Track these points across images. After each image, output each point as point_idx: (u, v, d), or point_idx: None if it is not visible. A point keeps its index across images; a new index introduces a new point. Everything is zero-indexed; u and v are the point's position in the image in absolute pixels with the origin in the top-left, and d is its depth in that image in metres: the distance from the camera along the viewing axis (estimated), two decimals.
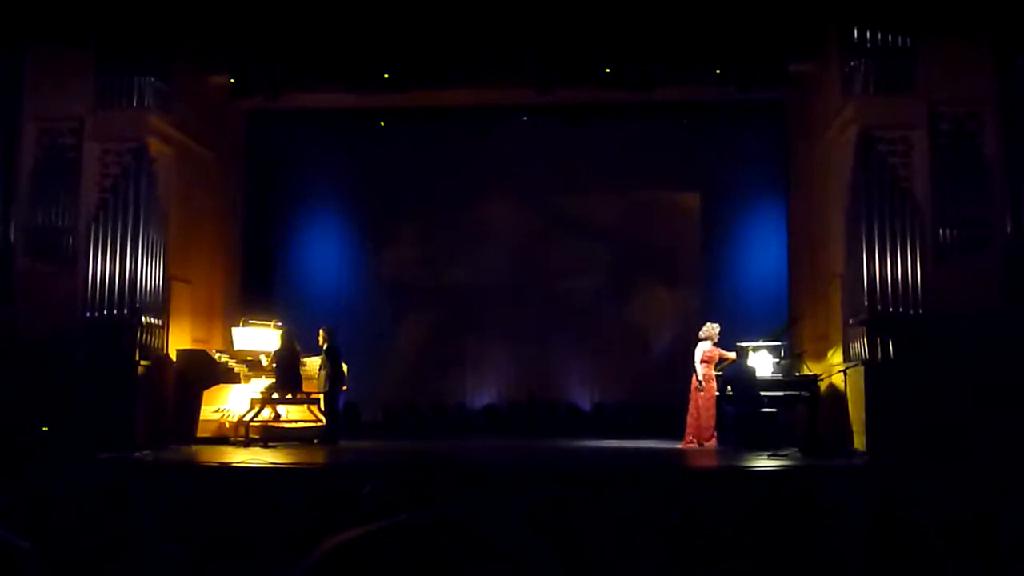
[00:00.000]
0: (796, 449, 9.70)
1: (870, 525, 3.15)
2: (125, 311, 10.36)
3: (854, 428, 10.09)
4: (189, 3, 11.30)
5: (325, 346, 11.18)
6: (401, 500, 3.64)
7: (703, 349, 10.77)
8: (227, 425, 11.33)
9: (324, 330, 11.26)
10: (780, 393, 10.60)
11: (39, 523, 2.49)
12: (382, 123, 13.95)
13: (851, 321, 10.19)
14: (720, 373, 10.77)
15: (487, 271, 14.35)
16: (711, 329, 10.93)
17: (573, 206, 14.37)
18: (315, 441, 11.11)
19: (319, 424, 11.33)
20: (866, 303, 9.83)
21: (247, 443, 10.59)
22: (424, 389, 14.05)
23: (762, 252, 13.58)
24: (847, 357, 10.27)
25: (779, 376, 10.86)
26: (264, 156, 13.80)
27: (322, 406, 11.24)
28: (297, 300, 13.78)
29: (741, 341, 10.73)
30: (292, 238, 14.50)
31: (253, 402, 10.96)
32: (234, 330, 11.86)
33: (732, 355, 10.74)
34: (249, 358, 11.51)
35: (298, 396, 11.24)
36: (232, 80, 12.05)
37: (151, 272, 10.59)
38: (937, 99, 10.21)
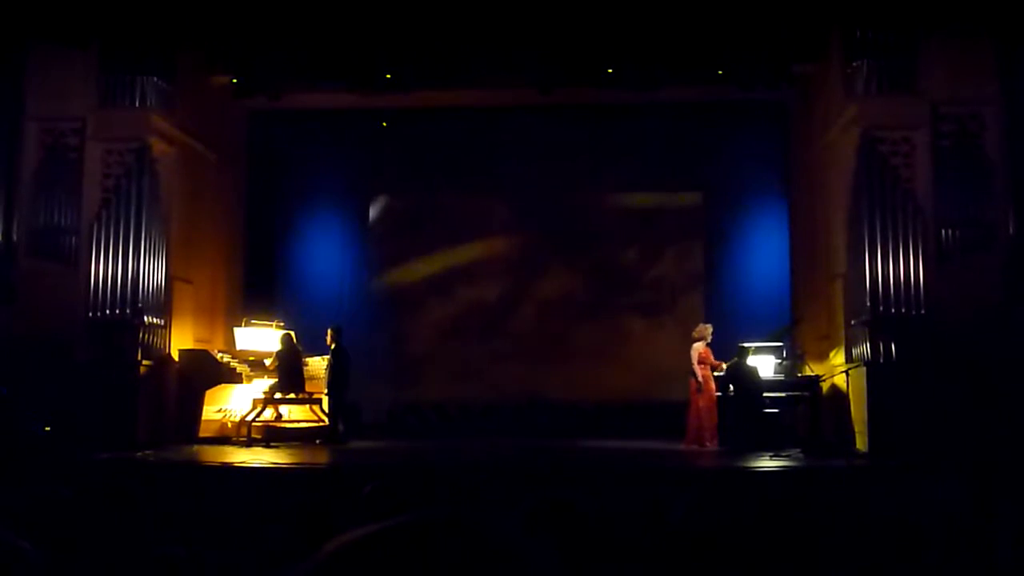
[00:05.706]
0: (798, 450, 9.70)
1: (871, 525, 3.15)
2: (127, 311, 10.38)
3: (856, 429, 10.08)
4: (192, 3, 11.30)
5: (333, 346, 11.18)
6: (402, 500, 3.64)
7: (697, 350, 10.78)
8: (229, 425, 11.33)
9: (332, 329, 11.25)
10: (782, 394, 10.62)
11: (40, 523, 2.49)
12: (384, 123, 13.95)
13: (853, 321, 10.19)
14: (722, 373, 10.76)
15: (488, 271, 14.35)
16: (704, 329, 10.94)
17: (575, 206, 14.34)
18: (317, 441, 11.11)
19: (321, 424, 11.33)
20: (868, 303, 9.82)
21: (249, 443, 10.58)
22: (425, 389, 14.04)
23: (764, 252, 13.56)
24: (849, 358, 10.26)
25: (781, 376, 10.87)
26: (266, 156, 13.80)
27: (325, 406, 11.25)
28: (299, 300, 13.78)
29: (743, 341, 10.71)
30: (294, 238, 14.49)
31: (255, 402, 10.96)
32: (236, 330, 11.87)
33: (723, 363, 10.76)
34: (251, 358, 11.51)
35: (300, 396, 11.25)
36: (234, 80, 12.06)
37: (153, 272, 10.60)
38: (939, 99, 10.21)
